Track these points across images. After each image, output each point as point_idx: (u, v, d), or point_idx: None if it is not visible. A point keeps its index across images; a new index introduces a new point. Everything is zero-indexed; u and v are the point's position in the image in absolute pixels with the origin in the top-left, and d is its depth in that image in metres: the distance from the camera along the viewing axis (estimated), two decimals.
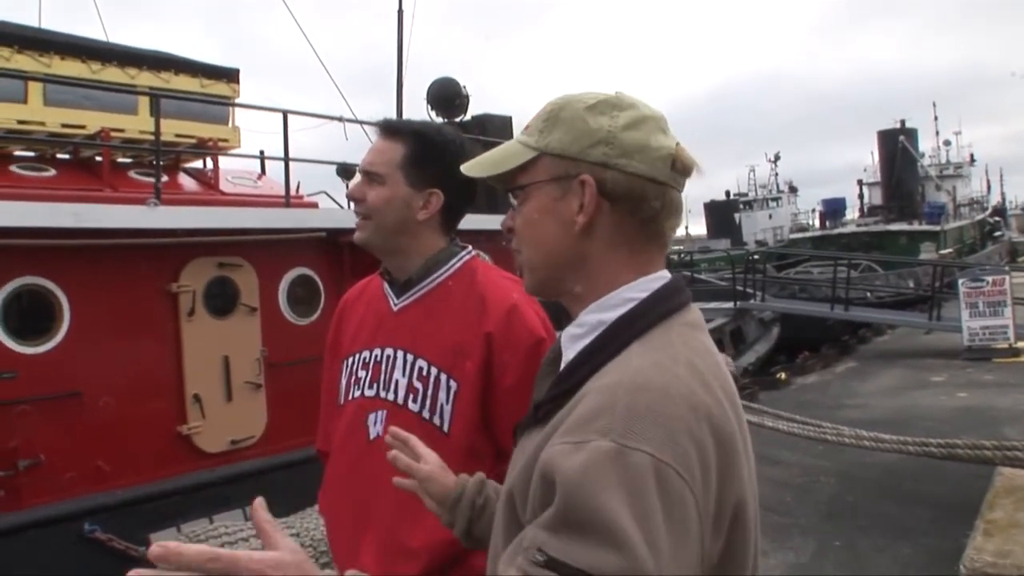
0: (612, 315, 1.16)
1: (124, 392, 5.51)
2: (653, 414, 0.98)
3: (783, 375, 12.24)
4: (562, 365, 1.23)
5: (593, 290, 1.20)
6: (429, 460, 1.52)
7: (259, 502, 1.02)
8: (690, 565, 0.97)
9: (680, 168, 1.18)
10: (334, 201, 8.28)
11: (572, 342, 1.22)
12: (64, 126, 6.13)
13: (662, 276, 1.21)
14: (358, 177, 2.03)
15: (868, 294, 19.09)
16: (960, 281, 13.00)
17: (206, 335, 5.97)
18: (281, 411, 6.30)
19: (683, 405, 1.01)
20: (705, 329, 1.21)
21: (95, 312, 5.41)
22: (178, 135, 6.67)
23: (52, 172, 6.15)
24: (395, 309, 2.01)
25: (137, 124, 6.45)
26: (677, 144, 1.19)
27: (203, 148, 6.96)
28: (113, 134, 6.28)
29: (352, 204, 2.07)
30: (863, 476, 6.93)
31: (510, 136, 6.64)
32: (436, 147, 1.99)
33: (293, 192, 7.05)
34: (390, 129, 2.00)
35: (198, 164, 7.44)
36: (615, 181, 1.15)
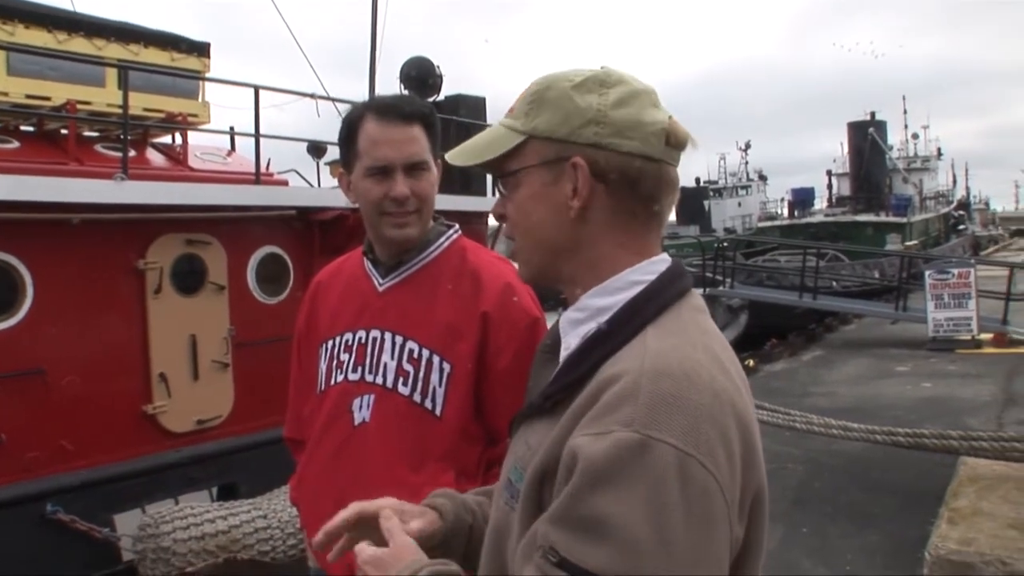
0: (617, 299, 1.12)
1: (88, 370, 5.41)
2: (677, 401, 0.96)
3: (751, 362, 12.31)
4: (562, 351, 1.19)
5: (592, 276, 1.16)
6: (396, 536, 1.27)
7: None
8: (718, 555, 0.96)
9: (675, 142, 1.14)
10: (304, 179, 8.19)
11: (573, 327, 1.18)
12: (28, 97, 5.98)
13: (664, 259, 1.17)
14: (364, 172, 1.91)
15: (834, 283, 19.24)
16: (927, 273, 13.16)
17: (173, 313, 5.88)
18: (248, 391, 6.23)
19: (706, 391, 0.99)
20: (708, 313, 1.18)
21: (59, 288, 5.30)
22: (146, 109, 6.54)
23: (15, 144, 6.00)
24: (380, 290, 1.95)
25: (104, 97, 6.31)
26: (670, 117, 1.15)
27: (172, 123, 6.83)
28: (79, 106, 6.15)
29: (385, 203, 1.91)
30: (830, 463, 6.99)
31: (483, 117, 6.57)
32: (437, 119, 1.97)
33: (263, 169, 6.94)
34: (411, 114, 1.91)
35: (167, 139, 7.31)
36: (608, 161, 1.11)
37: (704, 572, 0.94)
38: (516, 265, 1.26)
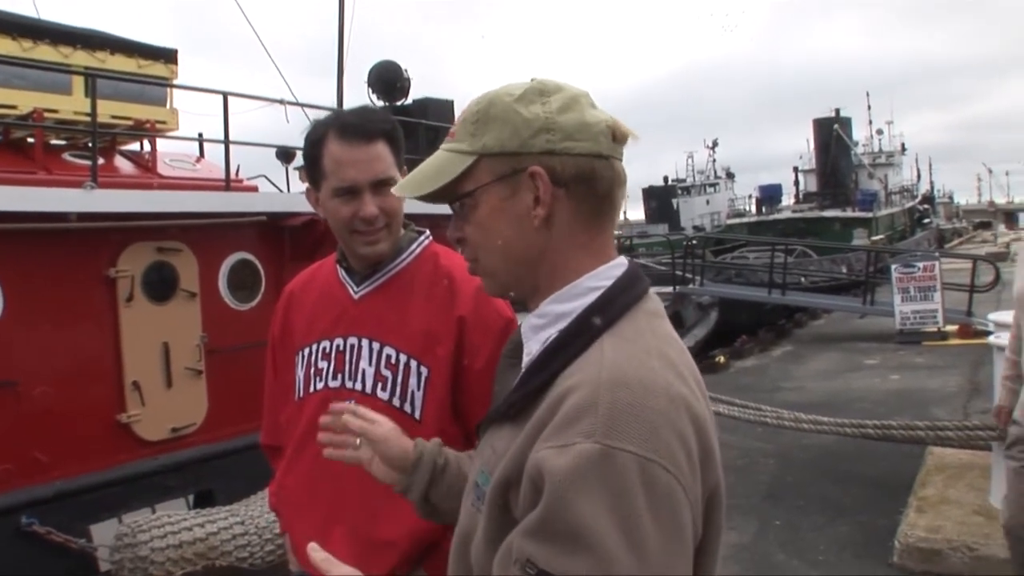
0: (574, 305, 1.15)
1: (61, 381, 5.36)
2: (635, 410, 0.99)
3: (722, 358, 12.43)
4: (524, 357, 1.22)
5: (558, 281, 1.18)
6: (383, 423, 1.50)
7: (312, 546, 1.25)
8: (686, 554, 1.00)
9: (619, 138, 1.17)
10: (274, 185, 8.17)
11: (534, 332, 1.21)
12: None
13: (620, 263, 1.20)
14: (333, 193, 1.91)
15: (803, 279, 19.46)
16: (893, 267, 13.36)
17: (145, 321, 5.85)
18: (222, 397, 6.21)
19: (663, 398, 1.01)
20: (665, 316, 1.21)
21: (30, 299, 5.25)
22: (114, 116, 6.49)
23: None
24: (356, 297, 1.98)
25: (71, 105, 6.26)
26: (611, 116, 1.19)
27: (140, 130, 6.79)
28: (46, 115, 6.10)
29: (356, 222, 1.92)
30: (802, 457, 7.09)
31: (451, 119, 6.62)
32: (400, 131, 1.98)
33: (233, 175, 6.93)
34: (374, 132, 1.91)
35: (135, 147, 7.26)
36: (564, 165, 1.13)
37: (676, 571, 0.97)
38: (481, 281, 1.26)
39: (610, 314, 1.12)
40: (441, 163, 1.21)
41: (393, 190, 1.28)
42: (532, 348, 1.20)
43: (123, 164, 6.93)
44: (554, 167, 1.13)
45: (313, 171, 1.96)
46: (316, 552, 1.25)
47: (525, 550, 0.97)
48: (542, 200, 1.14)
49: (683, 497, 0.98)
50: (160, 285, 5.99)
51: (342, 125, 1.91)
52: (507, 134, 1.15)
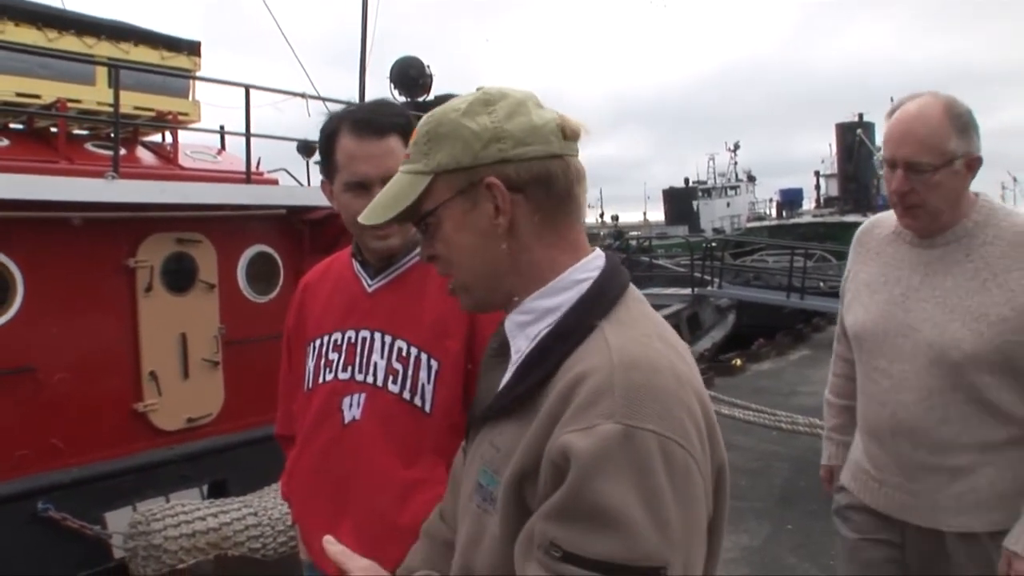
0: (562, 299, 1.17)
1: (79, 368, 5.41)
2: (649, 390, 1.01)
3: (739, 361, 12.38)
4: (513, 354, 1.23)
5: (533, 281, 1.19)
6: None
7: (328, 539, 1.27)
8: (701, 529, 1.03)
9: (571, 135, 1.18)
10: (294, 178, 8.19)
11: (520, 329, 1.21)
12: (18, 95, 5.96)
13: (599, 255, 1.22)
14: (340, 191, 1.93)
15: (822, 283, 19.34)
16: None
17: (163, 311, 5.89)
18: (239, 389, 6.24)
19: (671, 377, 1.05)
20: (647, 302, 1.24)
21: (50, 287, 5.30)
22: (136, 108, 6.53)
23: (5, 142, 5.98)
24: (369, 290, 1.99)
25: (94, 95, 6.30)
26: (559, 114, 1.20)
27: (162, 121, 6.83)
28: (69, 105, 6.14)
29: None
30: (816, 462, 6.93)
31: None
32: (414, 126, 1.97)
33: (253, 168, 6.95)
34: (386, 127, 1.92)
35: (157, 138, 7.31)
36: (519, 171, 1.15)
37: (694, 546, 1.01)
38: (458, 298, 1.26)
39: (604, 303, 1.15)
40: (400, 186, 1.23)
41: (360, 219, 1.28)
42: (521, 345, 1.20)
43: (145, 155, 6.96)
44: (509, 174, 1.15)
45: (327, 164, 1.98)
46: (332, 545, 1.27)
47: (548, 534, 0.99)
48: (502, 208, 1.15)
49: (697, 473, 1.02)
50: (179, 276, 6.03)
51: (355, 119, 1.93)
52: (459, 149, 1.16)
